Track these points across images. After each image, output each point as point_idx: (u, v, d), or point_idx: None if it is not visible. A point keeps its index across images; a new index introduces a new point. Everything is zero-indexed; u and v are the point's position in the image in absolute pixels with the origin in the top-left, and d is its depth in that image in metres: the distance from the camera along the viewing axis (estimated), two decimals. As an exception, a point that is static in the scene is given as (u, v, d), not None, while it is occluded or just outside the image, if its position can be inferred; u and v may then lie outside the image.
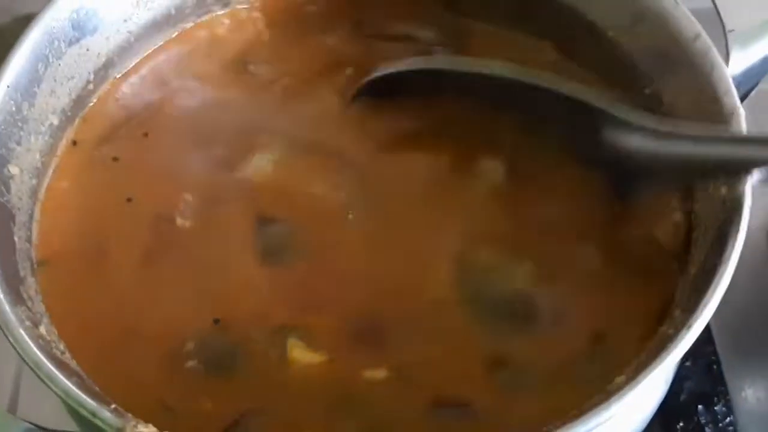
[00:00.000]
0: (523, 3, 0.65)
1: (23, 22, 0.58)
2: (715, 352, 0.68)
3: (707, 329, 0.68)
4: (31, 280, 0.53)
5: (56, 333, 0.51)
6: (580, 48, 0.63)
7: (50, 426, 0.50)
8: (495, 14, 0.66)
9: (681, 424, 0.65)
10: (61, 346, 0.50)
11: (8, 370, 0.65)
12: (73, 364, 0.50)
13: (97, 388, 0.48)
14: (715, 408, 0.66)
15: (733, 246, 0.49)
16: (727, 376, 0.67)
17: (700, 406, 0.65)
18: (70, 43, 0.60)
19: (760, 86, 0.73)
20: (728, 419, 0.65)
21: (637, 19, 0.60)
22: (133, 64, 0.64)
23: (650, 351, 0.47)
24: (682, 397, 0.66)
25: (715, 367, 0.67)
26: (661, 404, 0.57)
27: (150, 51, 0.65)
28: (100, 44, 0.62)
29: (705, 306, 0.47)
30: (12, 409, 0.62)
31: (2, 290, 0.48)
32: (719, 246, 0.49)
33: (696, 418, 0.65)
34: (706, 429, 0.65)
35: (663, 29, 0.58)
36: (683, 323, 0.47)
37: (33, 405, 0.47)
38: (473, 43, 0.66)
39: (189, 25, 0.66)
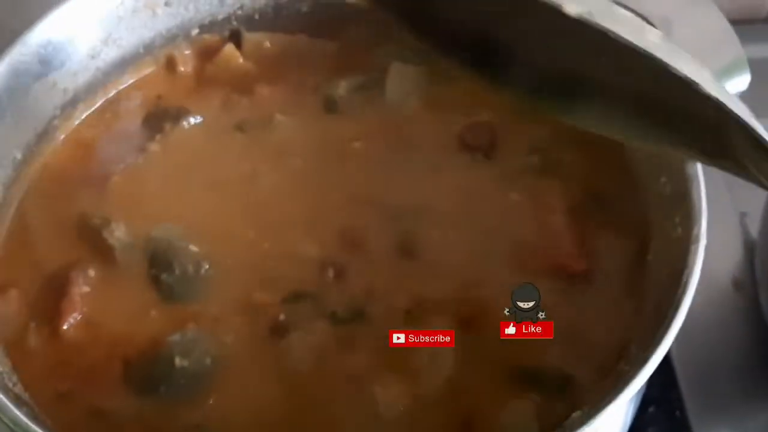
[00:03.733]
0: None
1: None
2: (679, 398, 0.68)
3: (671, 375, 0.68)
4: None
5: (10, 365, 0.50)
6: None
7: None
8: None
9: (644, 467, 0.65)
10: (14, 378, 0.50)
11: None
12: (25, 396, 0.49)
13: (48, 422, 0.47)
14: (678, 453, 0.65)
15: (687, 284, 0.49)
16: (693, 423, 0.66)
17: (663, 451, 0.65)
18: (37, 78, 0.59)
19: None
20: (690, 464, 0.65)
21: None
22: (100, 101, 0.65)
23: (606, 387, 0.47)
24: (646, 442, 0.66)
25: (678, 412, 0.67)
26: (624, 448, 0.56)
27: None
28: (67, 80, 0.62)
29: (659, 343, 0.47)
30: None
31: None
32: (674, 284, 0.49)
33: (659, 463, 0.65)
34: (669, 473, 0.64)
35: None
36: (639, 360, 0.47)
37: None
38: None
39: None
